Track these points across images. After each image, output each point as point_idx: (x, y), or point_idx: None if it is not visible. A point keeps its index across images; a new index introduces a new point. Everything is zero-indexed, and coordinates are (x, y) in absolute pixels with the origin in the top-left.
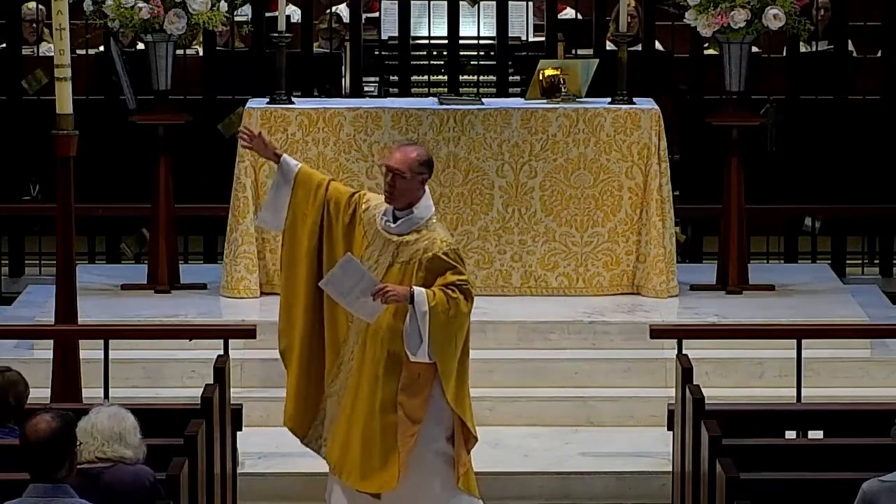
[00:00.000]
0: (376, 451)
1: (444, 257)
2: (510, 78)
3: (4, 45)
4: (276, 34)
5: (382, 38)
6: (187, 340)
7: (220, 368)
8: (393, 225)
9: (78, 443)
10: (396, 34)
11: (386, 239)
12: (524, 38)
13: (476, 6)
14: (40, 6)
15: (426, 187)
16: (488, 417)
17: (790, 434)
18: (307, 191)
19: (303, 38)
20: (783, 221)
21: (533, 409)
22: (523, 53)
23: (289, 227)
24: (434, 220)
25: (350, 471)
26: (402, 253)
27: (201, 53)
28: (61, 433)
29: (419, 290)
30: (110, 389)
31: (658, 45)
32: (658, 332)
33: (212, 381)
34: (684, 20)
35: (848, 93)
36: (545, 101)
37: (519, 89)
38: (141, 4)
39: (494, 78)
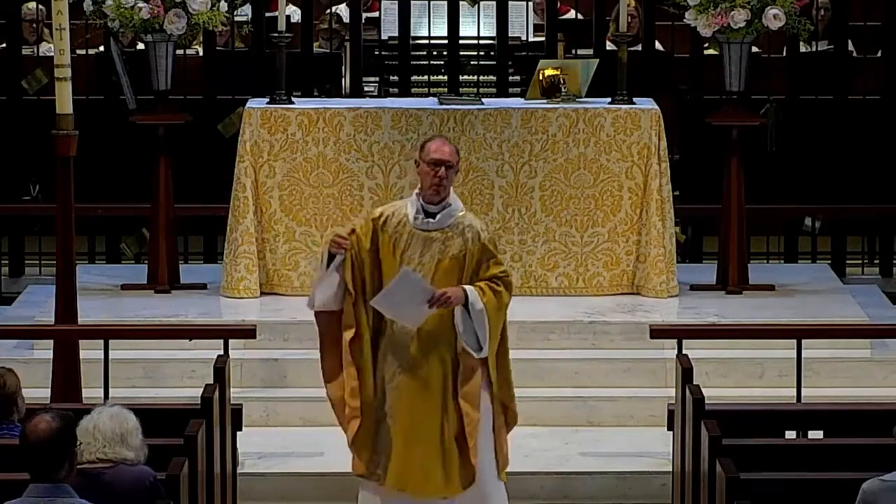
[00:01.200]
0: (448, 454)
1: (489, 245)
2: (510, 78)
3: (4, 45)
4: (276, 34)
5: (382, 38)
6: (187, 340)
7: (220, 368)
8: (433, 221)
9: (78, 443)
10: (396, 34)
11: (426, 237)
12: (524, 38)
13: (476, 6)
14: (40, 6)
15: None
16: None
17: (790, 434)
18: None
19: (303, 38)
20: (783, 221)
21: (533, 409)
22: (523, 53)
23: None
24: (464, 209)
25: (417, 482)
26: (451, 246)
27: (201, 53)
28: (61, 433)
29: (471, 290)
30: (110, 389)
31: (658, 45)
32: (658, 332)
33: (212, 381)
34: (684, 20)
35: (848, 93)
36: (545, 101)
37: (519, 89)
38: (141, 4)
39: (494, 78)
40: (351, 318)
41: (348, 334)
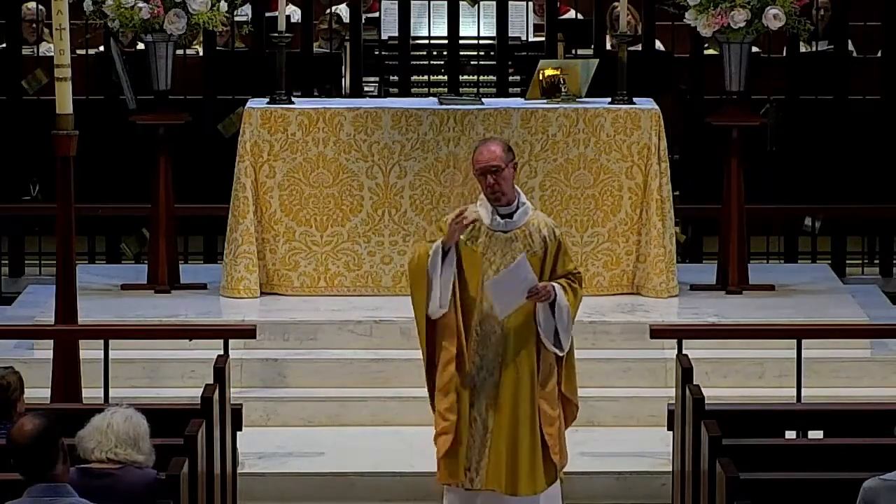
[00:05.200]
0: (536, 451)
1: (563, 240)
2: (510, 78)
3: (4, 45)
4: (276, 34)
5: (382, 38)
6: (187, 340)
7: (220, 368)
8: (511, 221)
9: (77, 440)
10: (396, 34)
11: (506, 238)
12: (524, 38)
13: (476, 6)
14: (40, 6)
15: None
16: None
17: (790, 434)
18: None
19: (303, 38)
20: (783, 221)
21: None
22: (523, 53)
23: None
24: (532, 207)
25: (511, 481)
26: (531, 244)
27: (201, 53)
28: (48, 431)
29: (558, 287)
30: (110, 389)
31: (658, 45)
32: (658, 332)
33: (212, 381)
34: (684, 20)
35: (848, 93)
36: (545, 101)
37: (519, 89)
38: (141, 4)
39: (494, 78)
40: (453, 326)
41: (448, 344)
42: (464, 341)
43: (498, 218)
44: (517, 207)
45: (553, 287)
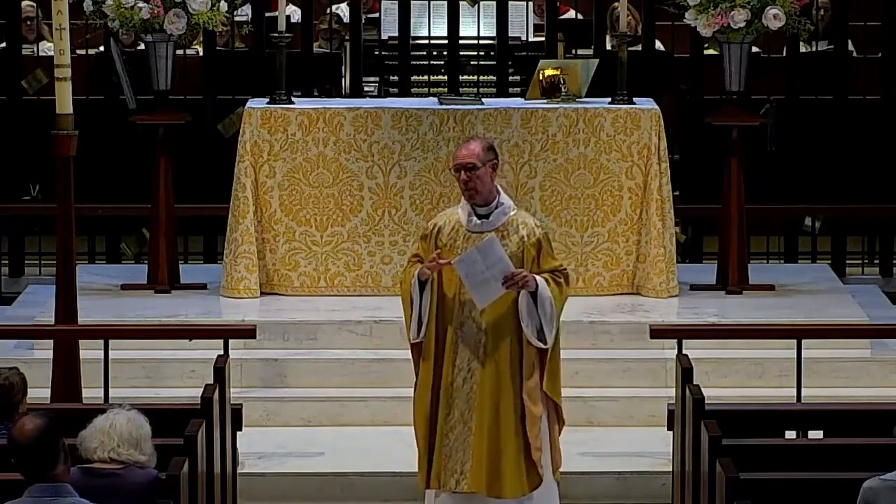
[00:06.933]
0: (520, 452)
1: (544, 241)
2: (510, 78)
3: (4, 44)
4: (276, 34)
5: (382, 38)
6: (187, 340)
7: (220, 368)
8: (488, 220)
9: (78, 441)
10: (396, 34)
11: (482, 238)
12: (524, 38)
13: (476, 6)
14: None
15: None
16: None
17: (790, 434)
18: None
19: (303, 38)
20: (783, 221)
21: None
22: (523, 53)
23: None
24: (515, 207)
25: (495, 483)
26: (508, 244)
27: (201, 53)
28: (49, 431)
29: (539, 279)
30: (110, 389)
31: (658, 45)
32: (658, 332)
33: (212, 381)
34: (684, 20)
35: (848, 93)
36: (545, 101)
37: (519, 89)
38: (141, 4)
39: (494, 78)
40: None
41: (427, 355)
42: (443, 348)
43: (475, 219)
44: (495, 207)
45: (533, 276)
